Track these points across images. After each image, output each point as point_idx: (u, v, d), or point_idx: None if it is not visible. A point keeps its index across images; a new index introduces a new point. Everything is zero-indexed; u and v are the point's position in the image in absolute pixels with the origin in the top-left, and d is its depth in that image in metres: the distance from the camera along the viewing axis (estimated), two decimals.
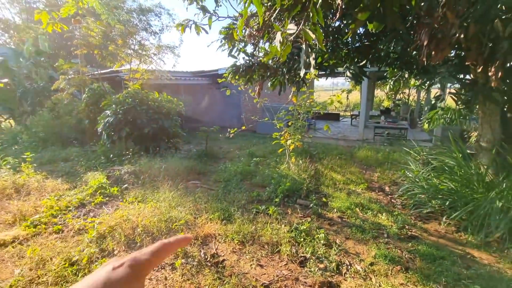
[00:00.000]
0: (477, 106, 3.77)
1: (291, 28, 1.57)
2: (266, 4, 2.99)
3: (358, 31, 3.71)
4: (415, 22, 2.94)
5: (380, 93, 19.69)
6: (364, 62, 3.83)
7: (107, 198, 4.28)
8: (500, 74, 2.19)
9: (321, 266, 2.58)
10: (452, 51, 3.38)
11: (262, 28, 3.00)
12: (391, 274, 2.49)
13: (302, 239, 3.00)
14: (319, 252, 2.78)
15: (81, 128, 8.71)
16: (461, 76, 3.84)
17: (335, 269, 2.54)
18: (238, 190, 4.50)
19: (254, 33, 3.55)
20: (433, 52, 2.27)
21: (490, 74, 2.25)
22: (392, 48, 3.73)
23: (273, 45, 3.98)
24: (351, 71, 3.92)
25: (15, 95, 10.17)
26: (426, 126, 5.99)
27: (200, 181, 5.11)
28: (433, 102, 5.33)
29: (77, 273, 2.46)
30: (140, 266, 0.37)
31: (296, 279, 2.44)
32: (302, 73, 1.94)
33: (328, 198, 4.17)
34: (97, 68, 8.85)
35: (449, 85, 6.02)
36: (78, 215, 3.76)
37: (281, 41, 1.67)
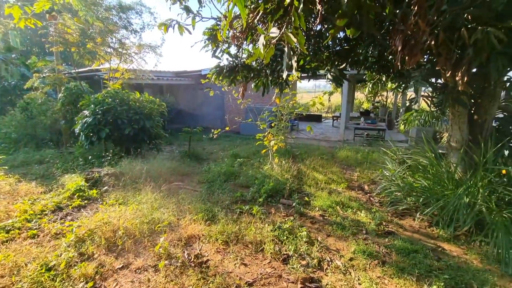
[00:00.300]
0: (448, 109, 4.02)
1: (274, 31, 1.63)
2: (249, 7, 3.04)
3: (338, 36, 3.86)
4: (391, 28, 3.10)
5: (360, 96, 20.34)
6: (344, 65, 3.97)
7: (85, 201, 4.15)
8: (466, 78, 2.37)
9: (304, 262, 2.66)
10: (424, 57, 3.59)
11: (245, 30, 3.04)
12: (369, 268, 2.60)
13: (285, 238, 3.06)
14: (301, 250, 2.85)
15: (57, 129, 8.34)
16: (433, 80, 4.08)
17: (316, 265, 2.63)
18: (222, 191, 4.51)
19: (237, 34, 3.58)
20: (406, 57, 2.41)
21: (457, 78, 2.42)
22: (370, 52, 3.90)
23: (257, 47, 4.04)
24: (332, 73, 4.04)
25: None
26: (402, 127, 6.29)
27: (183, 183, 5.06)
28: (407, 104, 5.60)
29: (55, 278, 2.38)
30: None
31: (280, 276, 2.49)
32: (285, 75, 2.01)
33: (310, 197, 4.28)
34: (74, 67, 8.50)
35: (423, 88, 6.36)
36: (55, 219, 3.61)
37: (264, 44, 1.72)
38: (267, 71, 4.36)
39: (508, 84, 3.57)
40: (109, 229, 3.08)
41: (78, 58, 7.73)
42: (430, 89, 4.65)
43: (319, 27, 3.88)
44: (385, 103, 15.26)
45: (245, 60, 4.36)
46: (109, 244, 2.91)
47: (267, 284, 2.39)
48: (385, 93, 15.45)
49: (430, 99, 4.29)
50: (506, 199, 3.24)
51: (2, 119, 8.69)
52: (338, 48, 3.94)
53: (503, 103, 4.37)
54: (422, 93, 5.54)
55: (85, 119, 6.18)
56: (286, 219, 3.50)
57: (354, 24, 1.73)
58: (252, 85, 4.64)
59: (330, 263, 2.68)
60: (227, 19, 2.63)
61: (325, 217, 3.67)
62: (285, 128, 6.01)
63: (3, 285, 2.26)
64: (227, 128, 6.12)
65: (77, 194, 4.29)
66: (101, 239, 2.92)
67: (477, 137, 3.67)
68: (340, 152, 7.12)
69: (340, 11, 1.65)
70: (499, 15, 2.45)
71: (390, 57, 3.53)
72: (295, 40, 1.69)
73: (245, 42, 3.97)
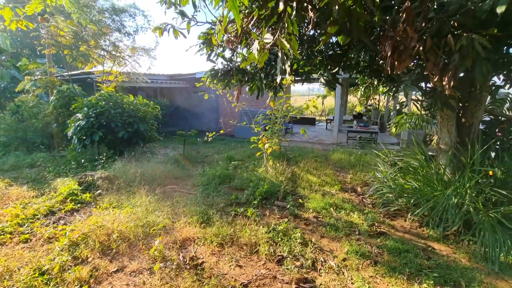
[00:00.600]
0: (437, 112, 4.14)
1: (268, 37, 1.68)
2: (244, 11, 3.10)
3: (331, 41, 3.95)
4: (381, 33, 3.20)
5: (353, 99, 20.63)
6: (336, 69, 4.05)
7: (78, 205, 4.11)
8: (452, 83, 2.47)
9: (298, 263, 2.69)
10: (414, 62, 3.70)
11: (240, 35, 3.10)
12: (361, 268, 2.66)
13: (279, 239, 3.09)
14: (295, 251, 2.89)
15: (49, 132, 8.23)
16: (423, 84, 4.20)
17: (310, 265, 2.67)
18: (217, 194, 4.53)
19: (232, 39, 3.64)
20: (396, 62, 2.50)
21: (444, 83, 2.51)
22: (361, 57, 4.01)
23: (251, 52, 4.11)
24: (325, 77, 4.13)
25: None
26: (393, 130, 6.42)
27: (178, 186, 5.06)
28: (398, 108, 5.72)
29: (49, 282, 2.36)
30: None
31: (274, 277, 2.52)
32: (278, 79, 2.06)
33: (304, 199, 4.33)
34: (67, 69, 8.43)
35: (414, 92, 6.52)
36: (47, 223, 3.57)
37: (259, 49, 1.77)
38: (261, 74, 4.42)
39: (493, 88, 3.69)
40: (103, 232, 3.07)
41: (71, 61, 7.67)
42: (420, 93, 4.78)
43: (312, 32, 3.97)
44: (377, 106, 15.51)
45: (239, 63, 4.42)
46: (104, 248, 2.90)
47: (262, 285, 2.42)
48: (377, 97, 15.71)
49: (419, 102, 4.41)
50: (493, 200, 3.35)
51: None
52: (330, 52, 4.03)
53: (490, 107, 4.52)
54: (412, 97, 5.68)
55: (78, 122, 6.13)
56: (281, 221, 3.53)
57: (344, 31, 1.80)
58: (247, 89, 4.70)
59: (323, 263, 2.72)
60: (222, 24, 2.68)
61: (319, 219, 3.72)
62: (279, 131, 6.06)
63: None
64: (221, 131, 6.15)
65: (70, 198, 4.25)
66: (95, 242, 2.91)
67: (464, 140, 3.79)
68: (334, 155, 7.21)
69: (331, 18, 1.72)
70: (483, 22, 2.55)
71: (381, 61, 3.63)
72: (288, 45, 1.74)
73: (239, 46, 4.03)
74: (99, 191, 4.45)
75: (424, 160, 4.01)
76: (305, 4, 1.71)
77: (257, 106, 10.38)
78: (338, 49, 4.01)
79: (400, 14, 2.25)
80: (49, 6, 4.94)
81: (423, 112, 5.77)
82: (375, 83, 5.96)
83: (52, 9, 6.63)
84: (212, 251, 2.92)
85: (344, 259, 2.79)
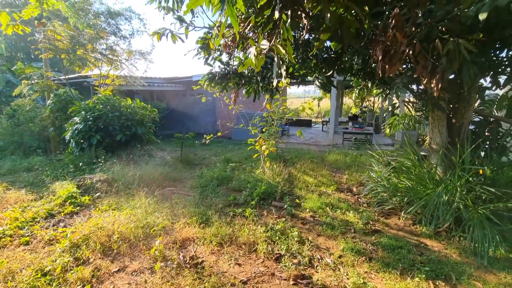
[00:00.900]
0: (429, 113, 4.27)
1: (264, 44, 1.77)
2: (240, 17, 3.20)
3: (325, 44, 4.06)
4: (373, 37, 3.32)
5: (348, 101, 20.85)
6: (331, 72, 4.17)
7: (78, 208, 4.14)
8: (440, 85, 2.58)
9: (295, 261, 2.77)
10: (404, 65, 3.83)
11: (238, 40, 3.19)
12: (357, 264, 2.75)
13: (277, 238, 3.17)
14: (293, 249, 2.97)
15: (45, 136, 8.22)
16: (414, 86, 4.33)
17: (307, 263, 2.75)
18: (215, 195, 4.60)
19: (229, 43, 3.73)
20: (387, 66, 2.61)
21: (432, 85, 2.63)
22: (355, 60, 4.13)
23: (247, 55, 4.21)
24: (320, 80, 4.24)
25: None
26: (387, 131, 6.55)
27: (176, 188, 5.11)
28: (390, 109, 5.85)
29: (51, 283, 2.40)
30: None
31: (272, 274, 2.60)
32: (275, 82, 2.15)
33: (301, 200, 4.41)
34: (64, 73, 8.45)
35: (407, 94, 6.68)
36: (47, 226, 3.60)
37: (256, 55, 1.86)
38: (258, 78, 4.52)
39: (480, 90, 3.83)
40: (104, 234, 3.12)
41: (68, 65, 7.70)
42: (411, 95, 4.90)
43: (306, 36, 4.08)
44: (372, 108, 15.72)
45: (236, 67, 4.52)
46: (104, 249, 2.95)
47: (260, 282, 2.49)
48: (372, 98, 15.93)
49: (411, 104, 4.54)
50: (483, 197, 3.47)
51: None
52: (325, 56, 4.15)
53: (480, 107, 4.67)
54: (403, 99, 5.82)
55: (76, 126, 6.17)
56: (278, 221, 3.61)
57: (336, 38, 1.90)
58: (244, 91, 4.79)
59: (320, 260, 2.81)
60: (220, 31, 2.77)
61: (316, 218, 3.81)
62: (276, 133, 6.16)
63: None
64: (219, 134, 6.22)
65: (69, 201, 4.28)
66: (96, 243, 2.96)
67: (455, 140, 3.92)
68: (330, 156, 7.32)
69: (324, 25, 1.82)
70: (469, 28, 2.68)
71: (374, 65, 3.75)
72: (284, 51, 1.84)
73: (236, 50, 4.12)
74: (98, 194, 4.49)
75: (416, 160, 4.13)
76: (299, 12, 1.81)
77: (254, 109, 10.48)
78: (332, 52, 4.13)
79: (390, 20, 2.36)
80: (45, 10, 4.99)
81: (416, 113, 5.92)
82: (369, 85, 6.11)
83: (49, 13, 6.68)
84: (211, 250, 2.98)
85: (340, 256, 2.88)
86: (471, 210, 3.10)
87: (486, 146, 4.06)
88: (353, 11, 1.76)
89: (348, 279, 2.51)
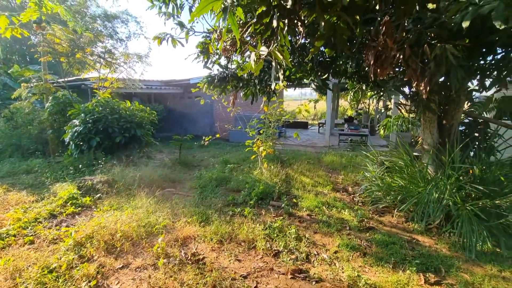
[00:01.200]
0: (421, 115, 4.44)
1: (263, 50, 1.90)
2: (239, 22, 3.33)
3: (320, 48, 4.21)
4: (366, 42, 3.47)
5: (344, 103, 21.10)
6: (326, 75, 4.32)
7: (79, 208, 4.22)
8: (428, 88, 2.73)
9: (293, 256, 2.89)
10: (396, 69, 3.98)
11: (239, 46, 3.32)
12: (352, 259, 2.87)
13: (275, 235, 3.29)
14: (290, 245, 3.09)
15: (44, 139, 8.24)
16: (407, 88, 4.50)
17: (305, 258, 2.87)
18: (214, 195, 4.70)
19: (228, 47, 3.86)
20: (378, 70, 2.76)
21: (421, 88, 2.78)
22: (349, 63, 4.28)
23: (245, 58, 4.34)
24: (315, 83, 4.38)
25: None
26: (381, 132, 6.72)
27: (176, 189, 5.20)
28: (382, 111, 6.02)
29: (58, 279, 2.49)
30: None
31: (271, 269, 2.71)
32: (273, 86, 2.28)
33: (298, 199, 4.54)
34: (63, 76, 8.50)
35: (401, 96, 6.86)
36: (50, 226, 3.68)
37: (255, 60, 1.99)
38: (256, 80, 4.65)
39: (468, 92, 4.00)
40: (107, 232, 3.20)
41: (67, 68, 7.77)
42: (404, 97, 5.06)
43: (302, 40, 4.22)
44: (367, 110, 15.95)
45: (234, 70, 4.65)
46: (108, 247, 3.03)
47: (260, 276, 2.60)
48: (367, 101, 16.17)
49: (402, 106, 4.70)
50: (473, 195, 3.62)
51: None
52: (320, 59, 4.30)
53: (469, 109, 4.85)
54: (395, 101, 5.99)
55: (76, 128, 6.24)
56: (276, 219, 3.73)
57: (329, 45, 2.04)
58: (241, 94, 4.92)
59: (317, 256, 2.93)
60: (219, 36, 2.90)
61: (312, 216, 3.93)
62: (273, 135, 6.29)
63: (9, 286, 2.35)
64: (218, 135, 6.34)
65: (70, 201, 4.35)
66: (99, 242, 3.04)
67: (445, 140, 4.08)
68: (326, 157, 7.47)
69: (318, 33, 1.95)
70: (456, 33, 2.84)
71: (367, 69, 3.89)
72: (281, 56, 1.97)
73: (234, 54, 4.26)
74: (99, 195, 4.57)
75: (409, 160, 4.28)
76: (295, 21, 1.94)
77: (251, 111, 10.60)
78: (327, 57, 4.28)
79: (381, 27, 2.51)
80: (44, 14, 5.07)
81: (410, 115, 6.10)
82: (364, 87, 6.27)
83: (47, 17, 6.76)
84: (212, 247, 3.09)
85: (335, 252, 3.00)
86: (459, 207, 3.25)
87: (475, 146, 4.24)
88: (345, 19, 1.89)
89: (343, 272, 2.63)
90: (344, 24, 1.96)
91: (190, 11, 3.83)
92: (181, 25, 3.65)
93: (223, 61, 4.68)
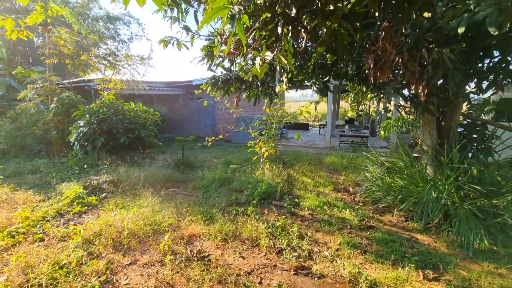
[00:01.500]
0: (420, 117, 4.53)
1: (268, 55, 2.00)
2: (244, 27, 3.43)
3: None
4: (366, 46, 3.57)
5: (345, 104, 21.20)
6: (327, 78, 4.41)
7: (86, 207, 4.31)
8: (426, 90, 2.83)
9: (295, 254, 2.98)
10: (396, 71, 4.08)
11: (246, 52, 3.42)
12: (353, 257, 2.96)
13: (278, 234, 3.38)
14: (293, 243, 3.18)
15: (48, 139, 8.37)
16: (406, 91, 4.59)
17: (307, 255, 2.95)
18: (218, 195, 4.79)
19: (232, 50, 3.97)
20: (378, 73, 2.85)
21: (419, 91, 2.88)
22: (349, 66, 4.38)
23: (249, 63, 4.44)
24: (316, 85, 4.48)
25: None
26: (382, 133, 6.81)
27: (179, 189, 5.30)
28: (382, 113, 6.10)
29: (68, 274, 2.58)
30: None
31: (274, 265, 2.80)
32: (277, 89, 2.38)
33: (300, 199, 4.62)
34: (68, 77, 8.63)
35: (400, 98, 6.95)
36: (58, 224, 3.77)
37: (260, 64, 2.08)
38: (258, 83, 4.75)
39: (465, 95, 4.10)
40: (114, 230, 3.30)
41: (72, 70, 7.89)
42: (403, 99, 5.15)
43: (304, 44, 4.32)
44: (368, 111, 16.04)
45: (238, 73, 4.75)
46: (116, 244, 3.12)
47: (264, 272, 2.69)
48: (367, 102, 16.26)
49: (401, 108, 4.79)
50: (471, 195, 3.71)
51: None
52: (321, 61, 4.39)
53: (467, 111, 4.94)
54: (395, 103, 6.08)
55: (81, 129, 6.34)
56: (279, 218, 3.82)
57: (331, 51, 2.13)
58: (244, 96, 5.02)
59: (318, 253, 3.01)
60: (224, 40, 3.01)
61: (314, 216, 4.02)
62: (275, 136, 6.38)
63: (19, 283, 2.44)
64: (220, 136, 6.43)
65: (77, 201, 4.45)
66: (107, 239, 3.14)
67: (444, 141, 4.17)
68: (327, 158, 7.56)
69: (320, 39, 2.05)
70: (453, 38, 2.94)
71: (367, 71, 3.99)
72: (285, 61, 2.06)
73: (238, 57, 4.36)
74: (104, 194, 4.67)
75: (408, 160, 4.37)
76: (299, 27, 2.04)
77: (253, 112, 10.72)
78: (328, 60, 4.37)
79: (380, 32, 2.61)
80: (50, 16, 5.18)
81: (410, 117, 6.19)
82: (364, 89, 6.37)
83: (52, 19, 6.88)
84: (216, 245, 3.18)
85: (337, 250, 3.09)
86: (458, 207, 3.33)
87: (473, 148, 4.32)
88: (346, 25, 1.99)
89: (344, 269, 2.72)
90: (345, 31, 2.06)
91: (195, 15, 3.94)
92: (186, 29, 3.75)
93: (226, 63, 4.79)
